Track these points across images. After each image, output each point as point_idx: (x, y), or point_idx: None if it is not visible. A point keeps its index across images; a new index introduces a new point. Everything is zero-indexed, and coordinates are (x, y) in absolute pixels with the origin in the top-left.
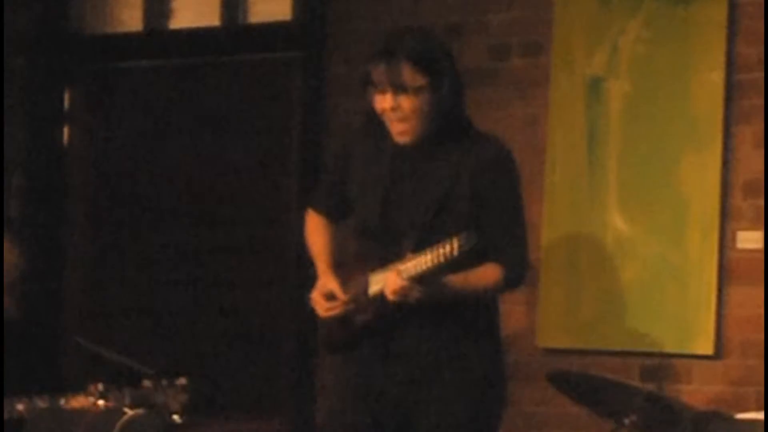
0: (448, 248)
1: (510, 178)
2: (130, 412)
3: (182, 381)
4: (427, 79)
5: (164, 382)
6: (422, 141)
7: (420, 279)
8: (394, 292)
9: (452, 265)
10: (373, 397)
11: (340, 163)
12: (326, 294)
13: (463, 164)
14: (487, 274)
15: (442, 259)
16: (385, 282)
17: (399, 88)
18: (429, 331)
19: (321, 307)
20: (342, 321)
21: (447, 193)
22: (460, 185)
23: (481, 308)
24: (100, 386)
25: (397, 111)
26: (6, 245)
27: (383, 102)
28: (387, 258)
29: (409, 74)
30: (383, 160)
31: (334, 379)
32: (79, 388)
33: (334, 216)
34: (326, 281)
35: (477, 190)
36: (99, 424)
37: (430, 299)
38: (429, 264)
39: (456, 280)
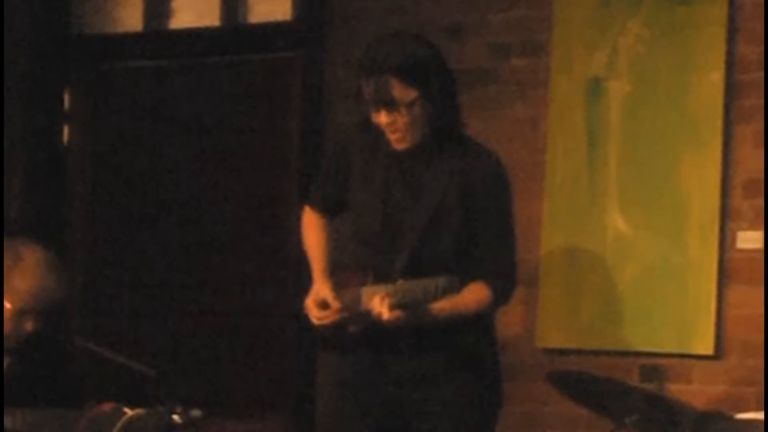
0: (433, 287)
1: (500, 195)
2: (130, 412)
3: (197, 413)
4: (418, 91)
5: (179, 408)
6: (417, 147)
7: (406, 306)
8: (379, 317)
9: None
10: (367, 397)
11: (338, 162)
12: (320, 302)
13: (454, 177)
14: (475, 295)
15: (427, 294)
16: (373, 306)
17: (391, 105)
18: (422, 338)
19: (314, 315)
20: (336, 328)
21: (439, 205)
22: (451, 200)
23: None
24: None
25: (393, 125)
26: (43, 266)
27: (379, 118)
28: (382, 268)
29: (399, 90)
30: (379, 167)
31: (329, 380)
32: (83, 392)
33: (331, 213)
34: (320, 289)
35: (466, 205)
36: (99, 423)
37: (417, 324)
38: (413, 295)
39: (443, 306)
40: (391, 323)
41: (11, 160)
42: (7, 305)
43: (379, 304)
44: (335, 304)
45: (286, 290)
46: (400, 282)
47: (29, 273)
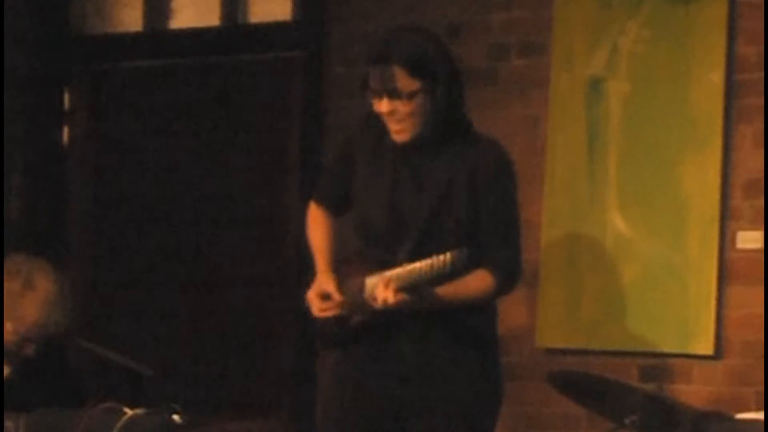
0: (441, 262)
1: (506, 184)
2: (130, 412)
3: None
4: (422, 83)
5: (178, 408)
6: (422, 141)
7: (410, 288)
8: (383, 302)
9: (446, 276)
10: (367, 395)
11: (343, 158)
12: (322, 294)
13: (460, 168)
14: (479, 282)
15: (433, 271)
16: (375, 290)
17: (394, 94)
18: (424, 331)
19: (316, 307)
20: (338, 320)
21: (443, 196)
22: (457, 189)
23: (477, 309)
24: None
25: (394, 114)
26: (52, 297)
27: (380, 106)
28: (385, 259)
29: (402, 80)
30: (385, 161)
31: (330, 376)
32: (83, 392)
33: (336, 209)
34: (323, 281)
35: (472, 194)
36: (99, 423)
37: (421, 308)
38: (420, 275)
39: (447, 290)
40: (396, 307)
41: (11, 160)
42: (10, 330)
43: (384, 288)
44: (337, 296)
45: (287, 290)
46: (403, 264)
47: (38, 304)
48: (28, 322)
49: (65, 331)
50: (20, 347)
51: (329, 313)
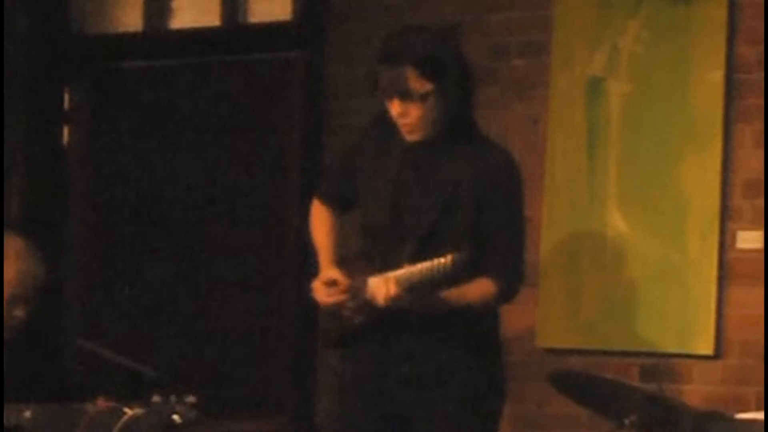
0: (441, 264)
1: (513, 192)
2: (129, 412)
3: (191, 399)
4: (434, 84)
5: (173, 397)
6: (430, 141)
7: (413, 289)
8: (385, 300)
9: (447, 279)
10: (370, 396)
11: (348, 157)
12: (327, 282)
13: (467, 171)
14: (481, 290)
15: (435, 272)
16: (378, 289)
17: (405, 95)
18: (427, 332)
19: (322, 294)
20: (341, 319)
21: (449, 198)
22: (463, 192)
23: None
24: (106, 398)
25: (406, 117)
26: (22, 252)
27: (391, 109)
28: (389, 260)
29: (414, 81)
30: (391, 161)
31: (332, 377)
32: (82, 391)
33: (339, 207)
34: (328, 271)
35: (478, 199)
36: (99, 423)
37: (423, 310)
38: (422, 276)
39: (450, 294)
40: (396, 303)
41: (11, 160)
42: None
43: (385, 284)
44: (343, 281)
45: (287, 290)
46: (406, 265)
47: (12, 261)
48: (8, 281)
49: (45, 287)
50: (10, 313)
51: (336, 299)
